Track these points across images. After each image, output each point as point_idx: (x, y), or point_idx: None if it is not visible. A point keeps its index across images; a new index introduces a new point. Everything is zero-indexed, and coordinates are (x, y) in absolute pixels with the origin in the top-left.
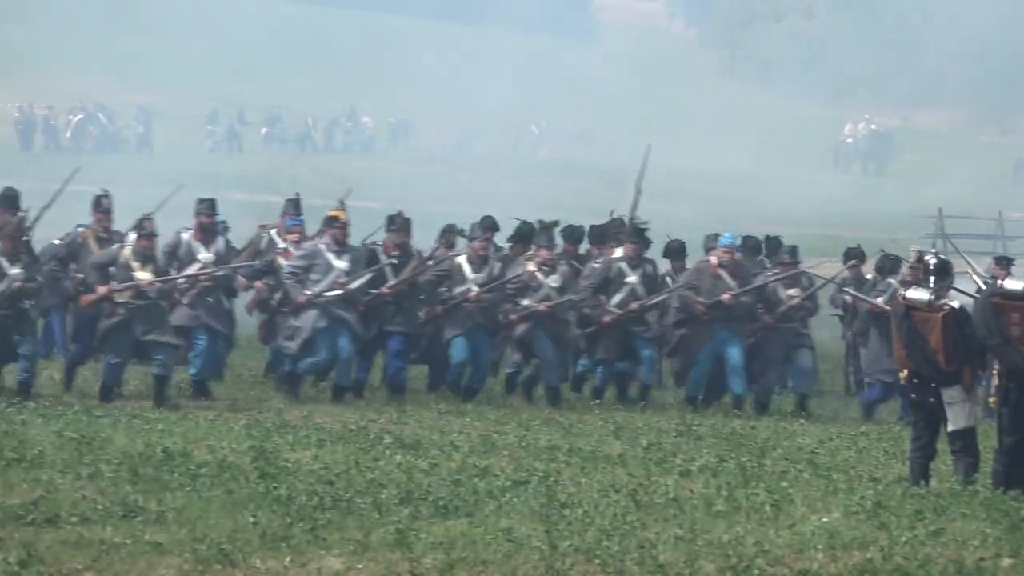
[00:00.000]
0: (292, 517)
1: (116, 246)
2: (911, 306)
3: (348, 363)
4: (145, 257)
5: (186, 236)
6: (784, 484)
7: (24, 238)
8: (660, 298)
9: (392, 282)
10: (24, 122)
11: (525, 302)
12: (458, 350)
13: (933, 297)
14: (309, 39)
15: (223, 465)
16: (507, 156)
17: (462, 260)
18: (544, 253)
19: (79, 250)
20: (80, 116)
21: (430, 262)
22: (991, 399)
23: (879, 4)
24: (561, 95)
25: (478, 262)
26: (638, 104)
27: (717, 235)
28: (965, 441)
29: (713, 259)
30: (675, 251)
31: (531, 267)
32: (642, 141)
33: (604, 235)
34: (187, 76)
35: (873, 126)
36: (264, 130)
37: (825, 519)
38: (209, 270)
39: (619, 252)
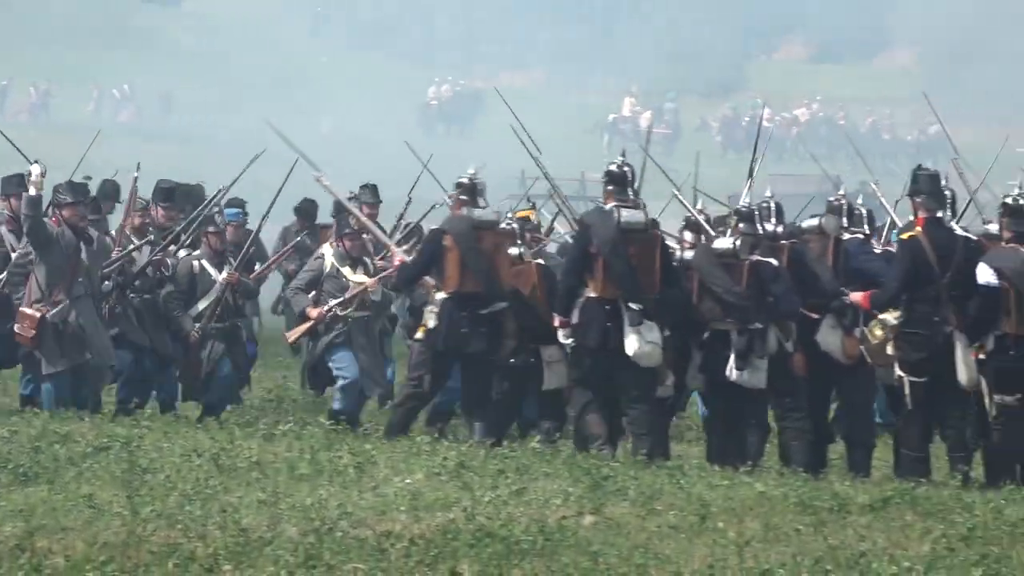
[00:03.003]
0: None
1: (313, 258)
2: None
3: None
4: (354, 259)
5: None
6: (368, 447)
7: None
8: None
9: None
10: None
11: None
12: None
13: (527, 249)
14: None
15: None
16: (88, 119)
17: None
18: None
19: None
20: None
21: None
22: None
23: None
24: (141, 56)
25: None
26: (222, 67)
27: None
28: (558, 405)
29: None
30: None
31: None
32: (232, 106)
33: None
34: None
35: (458, 88)
36: None
37: (408, 480)
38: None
39: None
